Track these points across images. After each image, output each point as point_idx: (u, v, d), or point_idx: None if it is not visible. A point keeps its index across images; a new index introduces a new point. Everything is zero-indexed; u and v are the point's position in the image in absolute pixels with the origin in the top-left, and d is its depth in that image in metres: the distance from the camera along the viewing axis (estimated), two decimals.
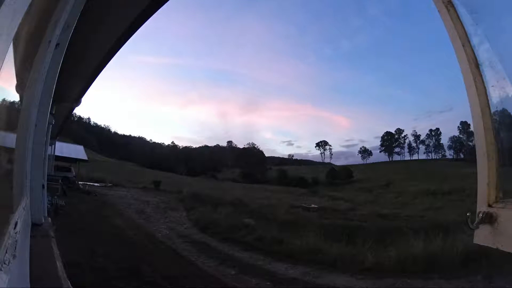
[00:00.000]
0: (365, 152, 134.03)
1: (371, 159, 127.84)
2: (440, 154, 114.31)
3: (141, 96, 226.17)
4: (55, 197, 11.92)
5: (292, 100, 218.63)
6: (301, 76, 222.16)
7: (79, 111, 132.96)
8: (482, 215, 1.09)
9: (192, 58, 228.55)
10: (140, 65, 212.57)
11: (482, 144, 1.17)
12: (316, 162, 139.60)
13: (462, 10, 1.25)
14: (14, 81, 1.56)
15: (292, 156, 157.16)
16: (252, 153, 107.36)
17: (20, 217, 1.46)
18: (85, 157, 29.47)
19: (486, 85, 1.19)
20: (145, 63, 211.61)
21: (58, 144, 17.46)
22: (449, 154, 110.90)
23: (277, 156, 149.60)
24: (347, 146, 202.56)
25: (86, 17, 2.21)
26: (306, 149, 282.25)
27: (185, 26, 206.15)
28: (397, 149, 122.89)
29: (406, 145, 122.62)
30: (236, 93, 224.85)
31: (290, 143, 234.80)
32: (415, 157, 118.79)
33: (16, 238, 1.15)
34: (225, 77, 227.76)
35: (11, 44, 0.83)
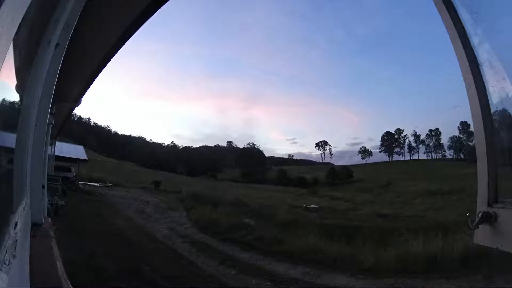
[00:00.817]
0: (365, 152, 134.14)
1: (371, 159, 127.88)
2: (440, 154, 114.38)
3: (140, 94, 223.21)
4: (55, 197, 11.91)
5: (298, 94, 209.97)
6: (310, 67, 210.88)
7: (79, 111, 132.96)
8: (482, 215, 1.09)
9: (191, 47, 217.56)
10: (140, 59, 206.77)
11: (482, 144, 1.17)
12: (316, 162, 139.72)
13: (462, 10, 1.25)
14: (14, 81, 1.56)
15: (292, 156, 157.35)
16: (252, 153, 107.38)
17: (20, 217, 1.46)
18: (85, 157, 29.47)
19: (486, 85, 1.19)
20: (144, 56, 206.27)
21: (58, 144, 17.48)
22: (449, 154, 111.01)
23: (277, 156, 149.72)
24: (353, 145, 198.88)
25: (86, 17, 2.21)
26: (310, 148, 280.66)
27: (184, 11, 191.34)
28: (397, 149, 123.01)
29: (406, 145, 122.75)
30: (238, 87, 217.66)
31: (294, 141, 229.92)
32: (415, 157, 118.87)
33: (16, 238, 1.15)
34: (227, 68, 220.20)
35: (11, 44, 0.83)
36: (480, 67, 1.20)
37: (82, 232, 8.20)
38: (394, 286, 6.48)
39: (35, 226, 2.30)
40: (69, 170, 23.96)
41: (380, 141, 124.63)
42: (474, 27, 1.24)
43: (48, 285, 1.61)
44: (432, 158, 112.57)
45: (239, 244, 9.95)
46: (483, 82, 1.19)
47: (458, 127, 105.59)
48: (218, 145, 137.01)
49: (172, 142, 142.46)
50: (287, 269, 7.62)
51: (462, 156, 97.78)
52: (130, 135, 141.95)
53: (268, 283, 6.59)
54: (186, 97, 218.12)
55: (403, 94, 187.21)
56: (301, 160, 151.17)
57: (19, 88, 1.68)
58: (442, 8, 1.29)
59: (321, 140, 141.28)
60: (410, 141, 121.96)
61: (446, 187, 40.71)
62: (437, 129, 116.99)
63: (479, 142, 1.19)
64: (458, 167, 64.41)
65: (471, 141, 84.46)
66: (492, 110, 1.18)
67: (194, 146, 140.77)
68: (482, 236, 1.11)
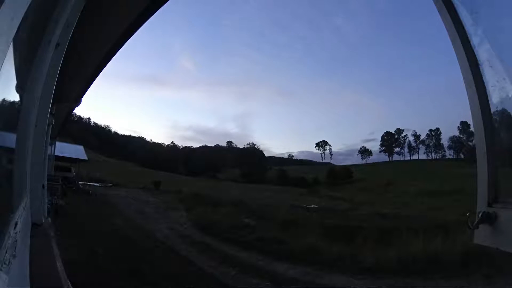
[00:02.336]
0: (365, 152, 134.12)
1: (371, 159, 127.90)
2: (440, 154, 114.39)
3: (140, 93, 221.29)
4: (55, 197, 11.91)
5: (303, 85, 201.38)
6: (322, 49, 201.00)
7: (79, 111, 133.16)
8: (482, 215, 1.09)
9: (189, 33, 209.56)
10: (138, 56, 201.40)
11: (482, 144, 1.17)
12: (316, 162, 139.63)
13: (462, 10, 1.25)
14: (14, 81, 1.56)
15: (292, 156, 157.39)
16: (252, 153, 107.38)
17: (20, 217, 1.46)
18: (85, 157, 29.49)
19: (486, 85, 1.19)
20: (143, 53, 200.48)
21: (58, 144, 17.42)
22: (449, 154, 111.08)
23: (277, 156, 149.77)
24: (368, 141, 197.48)
25: (86, 16, 2.21)
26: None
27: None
28: (397, 149, 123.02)
29: (406, 145, 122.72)
30: (238, 78, 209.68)
31: (303, 139, 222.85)
32: (415, 157, 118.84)
33: (16, 238, 1.15)
34: (227, 54, 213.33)
35: (11, 44, 0.83)
36: (480, 67, 1.20)
37: (82, 232, 8.21)
38: (394, 286, 6.48)
39: (35, 226, 2.30)
40: (69, 170, 23.97)
41: (380, 141, 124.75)
42: (474, 27, 1.24)
43: (48, 285, 1.61)
44: (432, 158, 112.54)
45: (239, 244, 9.94)
46: (483, 82, 1.19)
47: (458, 127, 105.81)
48: (218, 145, 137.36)
49: (172, 142, 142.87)
50: (287, 269, 7.61)
51: (462, 156, 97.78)
52: (130, 135, 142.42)
53: (268, 283, 6.58)
54: (185, 93, 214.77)
55: (404, 94, 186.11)
56: (301, 160, 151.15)
57: (19, 88, 1.68)
58: (442, 8, 1.29)
59: (320, 140, 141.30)
60: (410, 141, 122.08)
61: (446, 187, 40.77)
62: (437, 129, 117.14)
63: (479, 142, 1.19)
64: (458, 167, 64.42)
65: (471, 141, 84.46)
66: (492, 110, 1.18)
67: (194, 146, 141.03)
68: (482, 236, 1.11)
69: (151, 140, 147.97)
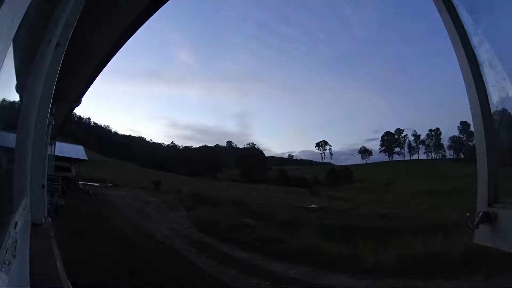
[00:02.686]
0: (365, 152, 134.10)
1: (371, 159, 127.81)
2: (440, 154, 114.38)
3: (139, 91, 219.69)
4: (55, 197, 11.89)
5: (307, 80, 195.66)
6: (327, 41, 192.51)
7: (79, 111, 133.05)
8: (482, 215, 1.09)
9: (186, 27, 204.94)
10: (137, 55, 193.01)
11: (482, 144, 1.17)
12: (316, 162, 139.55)
13: (462, 10, 1.25)
14: (14, 81, 1.56)
15: (292, 156, 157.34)
16: (252, 153, 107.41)
17: (20, 217, 1.46)
18: (85, 157, 29.48)
19: (486, 85, 1.19)
20: (142, 50, 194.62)
21: (58, 144, 17.42)
22: (449, 154, 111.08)
23: (277, 156, 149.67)
24: (371, 140, 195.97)
25: (86, 17, 2.21)
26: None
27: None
28: (397, 149, 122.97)
29: (406, 145, 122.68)
30: (238, 73, 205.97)
31: (307, 138, 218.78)
32: (415, 157, 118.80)
33: (16, 238, 1.15)
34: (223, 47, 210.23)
35: (11, 44, 0.83)
36: (480, 67, 1.20)
37: (82, 232, 8.19)
38: (394, 286, 6.48)
39: (35, 226, 2.30)
40: (69, 170, 23.94)
41: (380, 141, 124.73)
42: (474, 27, 1.24)
43: (48, 285, 1.61)
44: (432, 158, 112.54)
45: (239, 244, 9.94)
46: (483, 82, 1.19)
47: (458, 127, 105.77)
48: (218, 145, 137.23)
49: (172, 142, 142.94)
50: (287, 269, 7.61)
51: (462, 156, 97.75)
52: (130, 135, 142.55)
53: (268, 283, 6.59)
54: (185, 92, 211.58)
55: (404, 93, 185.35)
56: (302, 160, 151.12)
57: (19, 88, 1.68)
58: (442, 8, 1.29)
59: (320, 140, 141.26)
60: (410, 141, 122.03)
61: (446, 187, 40.78)
62: (437, 129, 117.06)
63: (479, 142, 1.19)
64: (458, 167, 64.42)
65: (471, 141, 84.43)
66: (492, 110, 1.18)
67: (194, 146, 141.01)
68: (482, 236, 1.11)
69: (151, 140, 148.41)
